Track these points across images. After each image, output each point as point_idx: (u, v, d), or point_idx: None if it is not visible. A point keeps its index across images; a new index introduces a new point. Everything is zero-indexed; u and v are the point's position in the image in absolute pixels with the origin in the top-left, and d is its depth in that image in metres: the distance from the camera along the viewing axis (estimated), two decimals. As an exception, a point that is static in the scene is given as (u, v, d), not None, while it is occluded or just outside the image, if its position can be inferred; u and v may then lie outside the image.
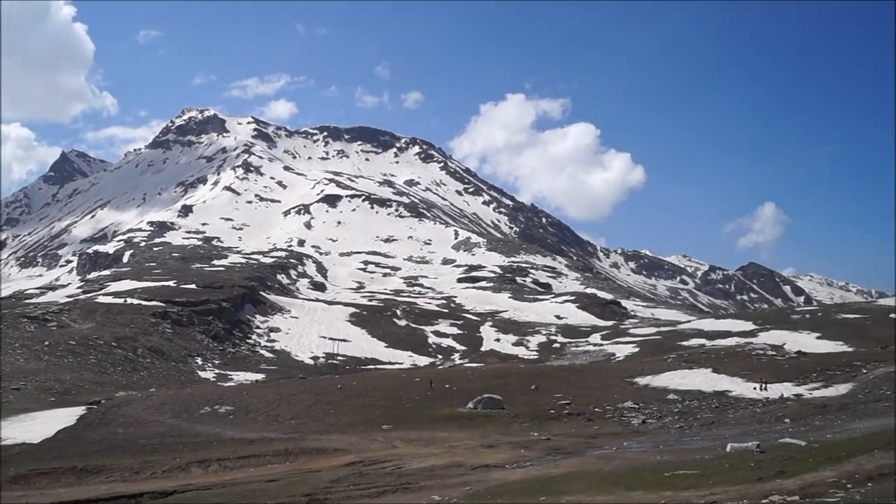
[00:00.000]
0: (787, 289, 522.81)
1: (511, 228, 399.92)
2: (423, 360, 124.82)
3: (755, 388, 63.62)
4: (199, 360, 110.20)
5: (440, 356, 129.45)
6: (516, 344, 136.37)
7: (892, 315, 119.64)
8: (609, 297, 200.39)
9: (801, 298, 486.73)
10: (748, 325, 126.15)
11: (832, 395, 57.82)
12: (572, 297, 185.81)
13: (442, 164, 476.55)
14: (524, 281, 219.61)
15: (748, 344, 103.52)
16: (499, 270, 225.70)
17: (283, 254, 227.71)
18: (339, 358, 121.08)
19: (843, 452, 25.89)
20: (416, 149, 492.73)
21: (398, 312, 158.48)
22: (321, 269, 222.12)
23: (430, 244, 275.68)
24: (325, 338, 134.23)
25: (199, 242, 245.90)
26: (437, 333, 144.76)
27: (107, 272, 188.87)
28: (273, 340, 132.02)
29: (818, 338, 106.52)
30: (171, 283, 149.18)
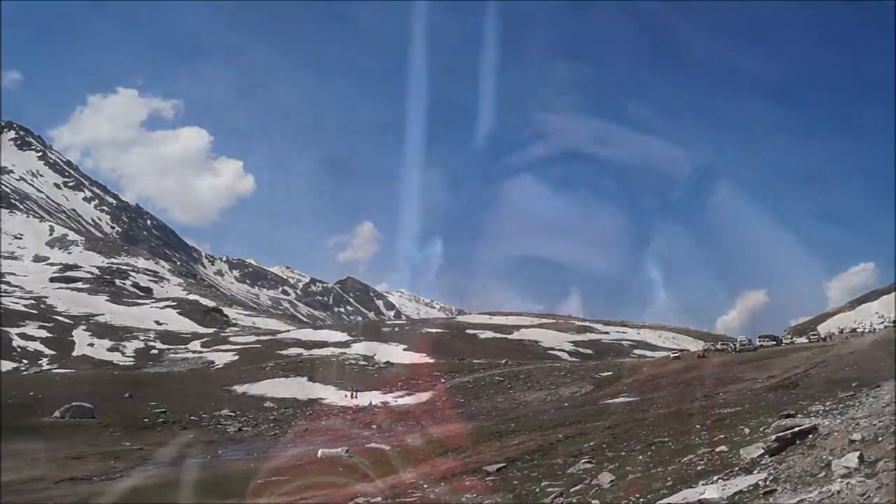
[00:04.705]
0: (380, 303, 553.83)
1: (113, 228, 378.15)
2: (6, 365, 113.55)
3: (346, 396, 67.02)
4: None
5: (26, 361, 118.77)
6: (112, 349, 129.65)
7: (468, 331, 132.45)
8: (211, 304, 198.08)
9: (392, 312, 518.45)
10: (343, 336, 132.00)
11: (414, 403, 62.80)
12: (174, 303, 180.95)
13: (41, 154, 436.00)
14: (124, 284, 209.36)
15: (342, 354, 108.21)
16: (97, 271, 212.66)
17: None
18: None
19: (422, 455, 28.59)
20: (12, 134, 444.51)
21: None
22: None
23: (21, 238, 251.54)
24: None
25: None
26: (24, 336, 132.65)
27: None
28: None
29: (405, 349, 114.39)
30: None
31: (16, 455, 39.68)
